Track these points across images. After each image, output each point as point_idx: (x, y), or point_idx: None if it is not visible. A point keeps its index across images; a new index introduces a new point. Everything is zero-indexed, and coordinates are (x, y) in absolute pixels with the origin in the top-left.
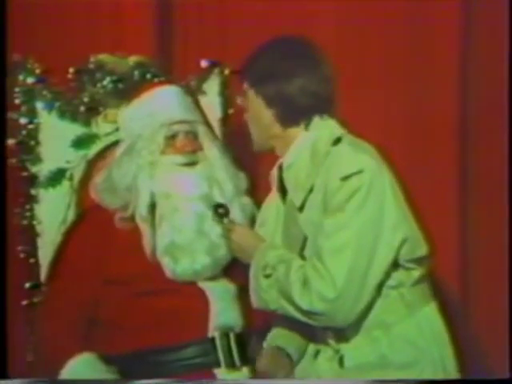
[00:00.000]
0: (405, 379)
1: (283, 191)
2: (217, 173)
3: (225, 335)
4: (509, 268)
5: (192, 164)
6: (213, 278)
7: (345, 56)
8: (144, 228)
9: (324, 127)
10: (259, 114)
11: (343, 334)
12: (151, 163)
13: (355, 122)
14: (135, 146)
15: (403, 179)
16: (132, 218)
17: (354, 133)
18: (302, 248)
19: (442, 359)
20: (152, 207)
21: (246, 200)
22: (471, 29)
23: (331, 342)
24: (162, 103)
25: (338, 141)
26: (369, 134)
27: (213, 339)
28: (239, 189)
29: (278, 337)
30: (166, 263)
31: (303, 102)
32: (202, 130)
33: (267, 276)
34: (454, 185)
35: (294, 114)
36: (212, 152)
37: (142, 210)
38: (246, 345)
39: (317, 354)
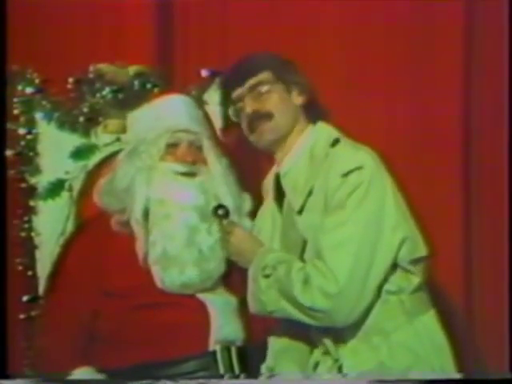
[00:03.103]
0: (405, 379)
1: (280, 200)
2: (218, 188)
3: (226, 349)
4: (509, 271)
5: (190, 175)
6: (213, 291)
7: (346, 64)
8: (138, 233)
9: (321, 131)
10: (289, 110)
11: (342, 339)
12: (149, 168)
13: (358, 130)
14: (138, 148)
15: (406, 186)
16: (128, 223)
17: (355, 140)
18: (302, 252)
19: (442, 366)
20: (146, 212)
21: (248, 223)
22: (474, 36)
23: (330, 349)
24: (170, 109)
25: (336, 142)
26: (372, 140)
27: (214, 353)
28: (241, 209)
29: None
30: (156, 272)
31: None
32: (207, 143)
33: (267, 276)
34: (457, 192)
35: (319, 114)
36: (216, 167)
37: (136, 214)
38: (247, 358)
39: (316, 365)
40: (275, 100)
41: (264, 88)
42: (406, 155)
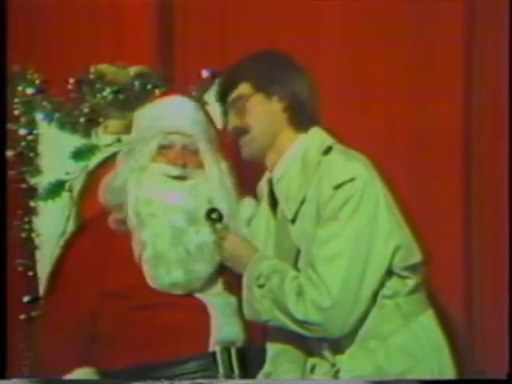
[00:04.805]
0: (405, 379)
1: (273, 205)
2: (213, 193)
3: (226, 349)
4: (509, 274)
5: (180, 178)
6: (213, 292)
7: (346, 64)
8: (133, 232)
9: (313, 137)
10: (269, 119)
11: (339, 346)
12: (141, 168)
13: (357, 131)
14: (135, 147)
15: (406, 188)
16: (125, 221)
17: (352, 143)
18: (296, 261)
19: (441, 368)
20: (138, 212)
21: (246, 228)
22: (474, 36)
23: (327, 355)
24: (166, 111)
25: (328, 150)
26: (371, 141)
27: (214, 354)
28: (239, 215)
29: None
30: (146, 271)
31: (314, 105)
32: (204, 147)
33: (261, 286)
34: (457, 194)
35: (308, 116)
36: (212, 171)
37: (130, 214)
38: (247, 359)
39: (313, 368)
40: (253, 113)
41: (243, 101)
42: (405, 157)
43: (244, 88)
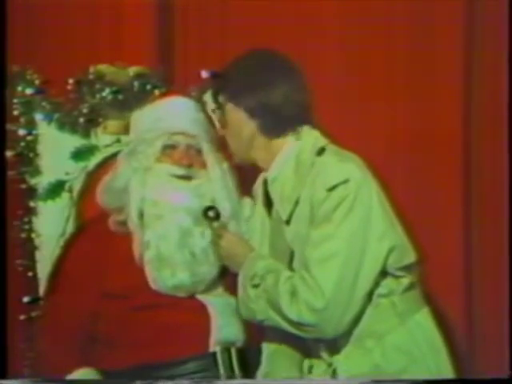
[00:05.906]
0: (404, 379)
1: (269, 205)
2: (216, 193)
3: (226, 350)
4: (509, 273)
5: (186, 178)
6: (213, 292)
7: (346, 64)
8: (134, 233)
9: (307, 138)
10: (240, 127)
11: (335, 346)
12: (145, 169)
13: (357, 131)
14: (136, 148)
15: (407, 188)
16: (126, 222)
17: (354, 147)
18: (290, 261)
19: (438, 366)
20: (141, 213)
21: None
22: (474, 36)
23: (324, 355)
24: (169, 111)
25: (322, 151)
26: (371, 141)
27: (214, 354)
28: (240, 215)
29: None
30: (148, 272)
31: (287, 112)
32: (207, 147)
33: (255, 286)
34: (457, 194)
35: (279, 124)
36: (215, 171)
37: (132, 215)
38: (247, 359)
39: (310, 369)
40: (228, 123)
41: (221, 111)
42: (405, 156)
43: (221, 97)
